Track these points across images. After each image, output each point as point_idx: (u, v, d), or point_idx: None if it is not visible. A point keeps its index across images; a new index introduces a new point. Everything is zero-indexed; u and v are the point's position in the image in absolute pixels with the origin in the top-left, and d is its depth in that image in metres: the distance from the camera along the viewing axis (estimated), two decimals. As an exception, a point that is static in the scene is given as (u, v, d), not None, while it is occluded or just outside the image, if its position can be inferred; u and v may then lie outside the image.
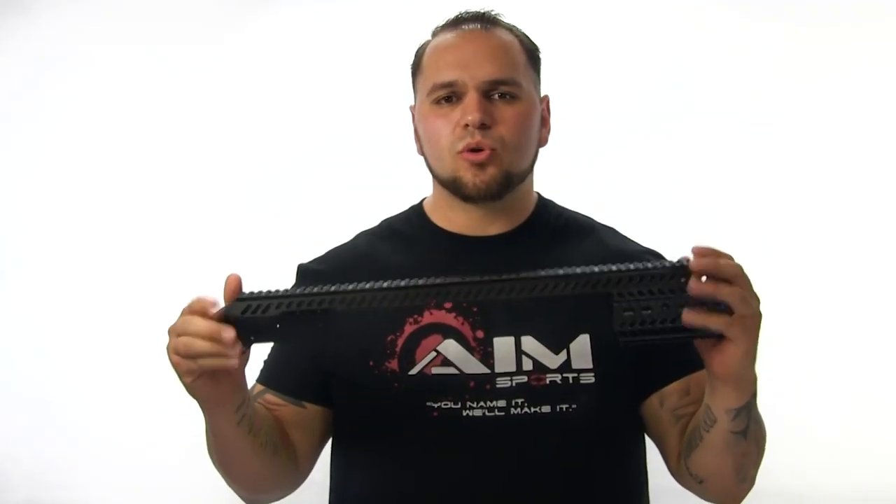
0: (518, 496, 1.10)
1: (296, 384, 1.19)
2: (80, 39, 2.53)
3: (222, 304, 0.96)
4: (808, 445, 2.01)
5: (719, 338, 0.92)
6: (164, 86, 2.48)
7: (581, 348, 1.12)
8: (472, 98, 1.14)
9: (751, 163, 2.23)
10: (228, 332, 0.94)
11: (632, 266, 0.92)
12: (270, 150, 2.43)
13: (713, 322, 0.90)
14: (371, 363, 1.13)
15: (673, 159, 2.24)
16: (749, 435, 1.02)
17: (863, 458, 2.07)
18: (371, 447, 1.16)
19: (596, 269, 0.93)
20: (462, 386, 1.11)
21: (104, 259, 2.46)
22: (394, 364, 1.13)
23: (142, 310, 2.33)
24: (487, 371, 1.12)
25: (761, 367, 0.97)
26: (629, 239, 1.26)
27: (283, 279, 1.26)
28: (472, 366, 1.12)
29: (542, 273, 0.93)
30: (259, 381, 1.21)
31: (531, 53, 1.22)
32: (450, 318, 1.14)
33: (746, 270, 0.91)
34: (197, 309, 0.96)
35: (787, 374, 1.97)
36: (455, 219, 1.21)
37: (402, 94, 1.29)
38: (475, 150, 1.13)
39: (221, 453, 1.11)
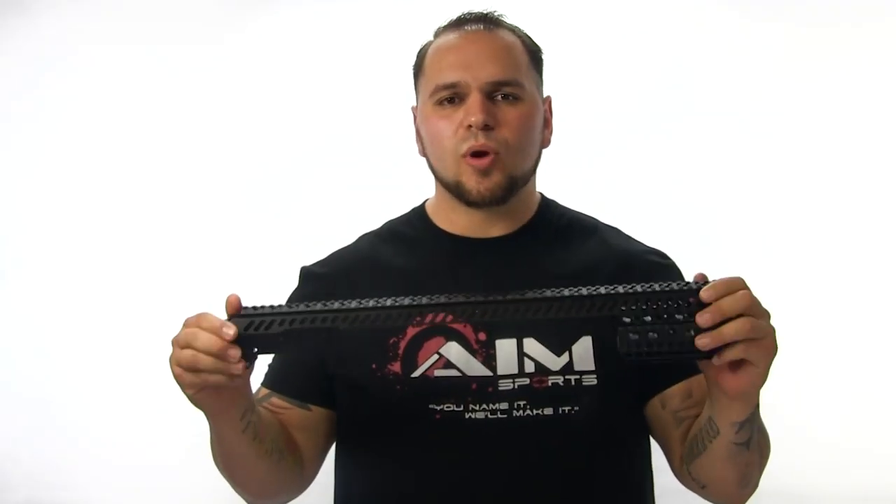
0: (519, 498, 1.10)
1: (301, 387, 1.18)
2: (80, 39, 2.53)
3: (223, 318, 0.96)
4: (808, 445, 2.00)
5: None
6: (164, 86, 2.48)
7: (583, 350, 1.12)
8: (475, 99, 1.13)
9: (751, 163, 2.23)
10: (235, 350, 0.93)
11: (639, 288, 0.92)
12: (271, 150, 2.42)
13: (730, 354, 0.89)
14: (374, 366, 1.13)
15: (673, 159, 2.24)
16: (752, 445, 1.02)
17: (863, 458, 2.07)
18: (374, 449, 1.15)
19: (602, 290, 0.92)
20: (464, 388, 1.11)
21: (104, 259, 2.45)
22: (396, 367, 1.12)
23: (142, 310, 2.33)
24: (490, 373, 1.11)
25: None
26: (633, 239, 1.25)
27: (283, 279, 1.27)
28: (475, 368, 1.11)
29: (548, 293, 0.93)
30: (264, 384, 1.21)
31: (534, 54, 1.21)
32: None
33: (748, 273, 0.91)
34: (206, 326, 0.95)
35: (787, 375, 1.96)
36: (457, 220, 1.20)
37: (403, 94, 1.28)
38: (478, 154, 1.12)
39: (226, 459, 1.11)
